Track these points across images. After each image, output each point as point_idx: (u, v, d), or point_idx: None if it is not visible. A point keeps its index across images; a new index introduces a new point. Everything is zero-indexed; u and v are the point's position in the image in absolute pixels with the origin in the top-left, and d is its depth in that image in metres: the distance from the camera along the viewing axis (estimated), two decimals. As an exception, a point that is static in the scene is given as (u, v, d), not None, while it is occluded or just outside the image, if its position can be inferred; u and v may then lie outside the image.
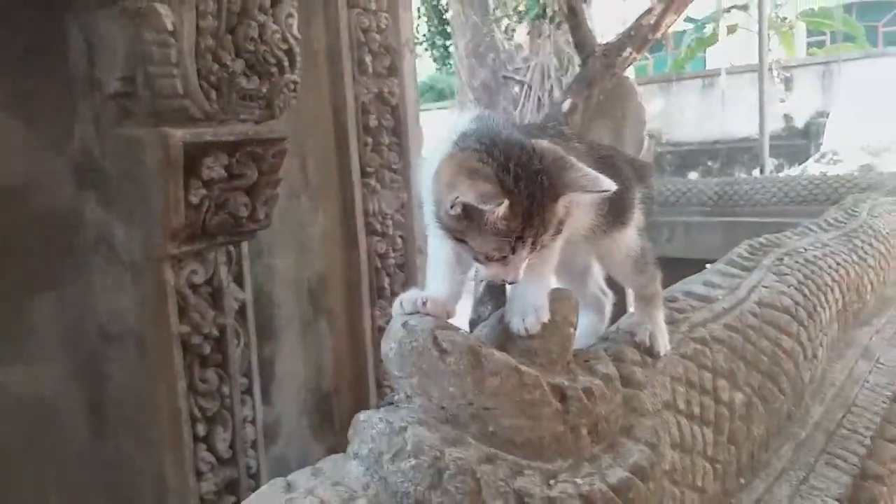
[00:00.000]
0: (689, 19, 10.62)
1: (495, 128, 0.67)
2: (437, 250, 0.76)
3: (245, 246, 1.90)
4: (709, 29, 11.37)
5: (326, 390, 2.60)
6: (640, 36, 4.25)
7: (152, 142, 1.45)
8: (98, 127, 1.53)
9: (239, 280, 1.89)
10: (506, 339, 0.74)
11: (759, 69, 6.02)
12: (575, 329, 0.76)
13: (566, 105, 4.11)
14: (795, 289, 1.35)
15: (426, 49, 8.72)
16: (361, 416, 0.62)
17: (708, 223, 3.82)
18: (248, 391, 1.95)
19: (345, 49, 2.35)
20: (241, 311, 1.90)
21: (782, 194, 3.67)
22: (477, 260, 0.66)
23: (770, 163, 7.73)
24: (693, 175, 9.62)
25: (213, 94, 1.49)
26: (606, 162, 0.76)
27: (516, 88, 7.31)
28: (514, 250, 0.65)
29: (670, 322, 1.00)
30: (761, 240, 1.55)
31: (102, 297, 1.66)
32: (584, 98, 4.00)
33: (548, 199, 0.64)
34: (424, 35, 8.61)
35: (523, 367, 0.66)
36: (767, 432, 1.12)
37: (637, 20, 4.37)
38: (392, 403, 0.68)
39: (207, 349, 1.73)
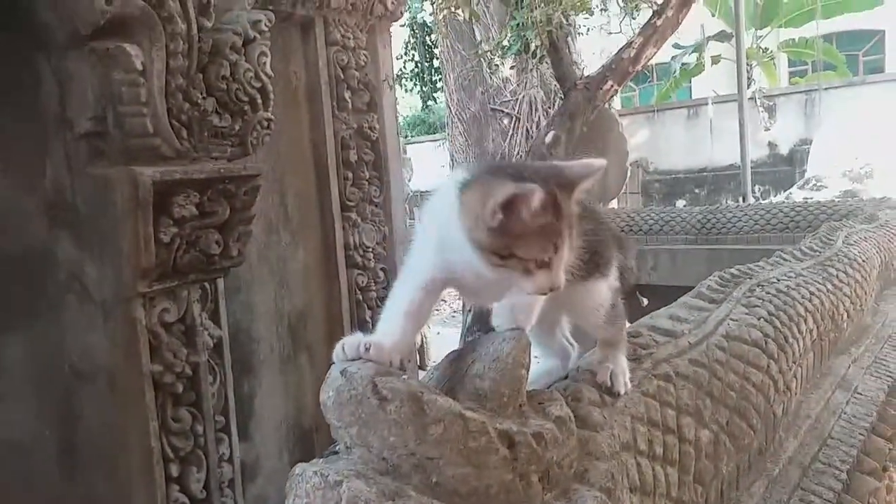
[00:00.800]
0: (676, 45, 10.81)
1: (492, 162, 0.71)
2: (399, 297, 0.75)
3: (221, 283, 1.88)
4: (693, 59, 11.59)
5: (308, 427, 2.56)
6: (620, 69, 4.32)
7: (122, 181, 1.45)
8: (69, 166, 1.53)
9: (215, 317, 1.87)
10: (456, 381, 0.73)
11: (738, 98, 6.12)
12: (527, 370, 0.75)
13: (549, 137, 4.16)
14: (766, 321, 1.33)
15: (415, 84, 8.84)
16: (297, 469, 0.61)
17: (692, 251, 3.84)
18: (225, 429, 1.92)
19: (324, 86, 2.38)
20: (218, 349, 1.88)
21: (764, 222, 3.70)
22: (525, 272, 0.69)
23: (755, 190, 7.81)
24: (681, 203, 9.70)
25: (184, 133, 1.49)
26: (590, 216, 0.78)
27: (505, 121, 7.42)
28: (556, 248, 0.69)
29: (633, 359, 0.99)
30: (732, 271, 1.54)
31: (74, 336, 1.64)
32: (567, 130, 4.05)
33: (565, 191, 0.69)
34: (411, 71, 8.74)
35: (468, 413, 0.65)
36: (738, 469, 1.10)
37: (617, 53, 4.45)
38: (336, 453, 0.66)
39: (180, 388, 1.71)
